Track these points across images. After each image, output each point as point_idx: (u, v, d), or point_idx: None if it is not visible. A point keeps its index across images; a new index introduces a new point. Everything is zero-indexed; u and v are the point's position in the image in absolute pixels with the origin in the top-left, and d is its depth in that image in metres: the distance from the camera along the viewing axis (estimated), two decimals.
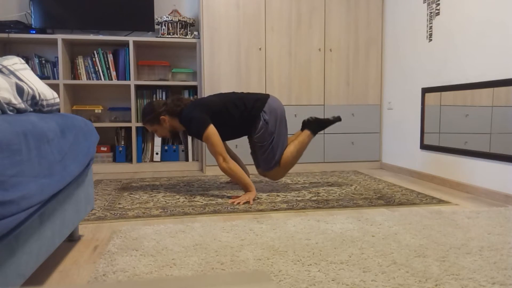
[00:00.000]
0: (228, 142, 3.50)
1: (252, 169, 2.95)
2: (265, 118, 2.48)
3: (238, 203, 2.26)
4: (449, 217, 1.93)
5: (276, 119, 2.51)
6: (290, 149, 2.56)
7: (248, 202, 2.28)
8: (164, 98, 3.67)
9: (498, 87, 2.37)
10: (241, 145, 3.51)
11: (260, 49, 3.51)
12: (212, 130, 2.37)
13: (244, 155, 3.49)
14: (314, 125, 2.66)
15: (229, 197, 2.43)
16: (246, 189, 2.38)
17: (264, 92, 2.60)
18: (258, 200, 2.37)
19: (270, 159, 2.51)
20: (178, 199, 2.41)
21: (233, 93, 2.60)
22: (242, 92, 2.62)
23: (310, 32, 3.58)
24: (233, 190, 2.67)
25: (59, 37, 3.38)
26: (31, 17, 3.44)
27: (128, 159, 3.70)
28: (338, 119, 2.71)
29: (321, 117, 2.70)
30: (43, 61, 3.52)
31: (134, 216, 2.03)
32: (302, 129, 2.68)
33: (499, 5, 2.37)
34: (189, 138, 3.73)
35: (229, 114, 2.48)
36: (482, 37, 2.50)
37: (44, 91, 1.34)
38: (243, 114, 2.50)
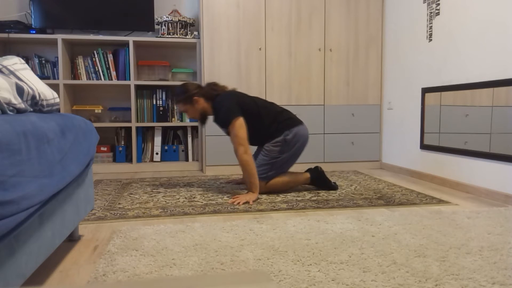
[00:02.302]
0: (230, 139, 3.50)
1: None
2: (286, 138, 2.50)
3: (238, 203, 2.26)
4: (449, 217, 1.93)
5: (294, 146, 2.53)
6: (284, 178, 2.55)
7: (247, 202, 2.28)
8: (164, 98, 3.67)
9: (498, 87, 2.37)
10: None
11: (260, 49, 3.51)
12: (240, 121, 2.39)
13: None
14: (317, 176, 2.64)
15: (229, 197, 2.43)
16: (250, 188, 2.38)
17: (294, 114, 2.63)
18: (258, 200, 2.37)
19: (262, 171, 2.50)
20: (178, 199, 2.41)
21: (270, 103, 2.62)
22: (277, 105, 2.64)
23: (310, 32, 3.58)
24: (233, 190, 2.67)
25: (59, 37, 3.38)
26: (31, 17, 3.44)
27: (128, 159, 3.70)
28: (336, 187, 2.68)
29: (327, 176, 2.71)
30: (43, 61, 3.52)
31: (134, 216, 2.03)
32: (306, 171, 2.68)
33: (499, 5, 2.37)
34: (189, 138, 3.73)
35: (260, 120, 2.51)
36: (482, 37, 2.50)
37: (44, 91, 1.34)
38: (271, 125, 2.52)
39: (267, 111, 2.54)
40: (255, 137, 2.55)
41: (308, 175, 2.64)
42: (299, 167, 3.59)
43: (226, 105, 2.44)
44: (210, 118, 2.70)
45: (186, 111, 2.62)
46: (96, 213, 2.09)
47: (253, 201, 2.32)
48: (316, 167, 2.68)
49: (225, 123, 2.44)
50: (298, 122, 2.58)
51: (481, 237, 1.63)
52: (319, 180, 2.64)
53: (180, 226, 1.81)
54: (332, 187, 2.65)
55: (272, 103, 2.63)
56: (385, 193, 2.57)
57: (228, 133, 2.51)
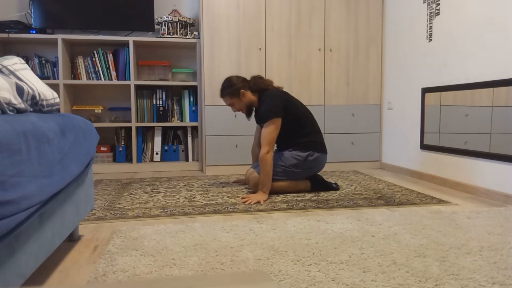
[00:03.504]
0: (230, 139, 3.50)
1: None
2: (308, 158, 2.52)
3: (250, 202, 2.27)
4: (449, 217, 1.93)
5: (310, 168, 2.55)
6: (285, 183, 2.55)
7: (258, 202, 2.28)
8: (164, 98, 3.67)
9: (498, 87, 2.37)
10: (241, 145, 3.51)
11: (260, 49, 3.51)
12: (279, 122, 2.43)
13: (243, 155, 3.50)
14: (318, 185, 2.64)
15: (229, 197, 2.44)
16: (261, 189, 2.39)
17: (324, 140, 2.65)
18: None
19: (278, 170, 2.51)
20: (178, 199, 2.41)
21: (314, 119, 2.65)
22: (319, 126, 2.66)
23: (310, 32, 3.58)
24: (232, 190, 2.67)
25: (59, 37, 3.38)
26: (31, 17, 3.44)
27: (128, 159, 3.70)
28: (337, 188, 2.68)
29: (328, 181, 2.71)
30: (43, 61, 3.52)
31: (134, 216, 2.03)
32: (307, 178, 2.67)
33: (499, 5, 2.37)
34: (189, 138, 3.73)
35: (298, 127, 2.54)
36: (482, 37, 2.50)
37: (44, 91, 1.34)
38: (304, 138, 2.55)
39: (307, 123, 2.58)
40: (282, 138, 2.57)
41: (308, 183, 2.63)
42: None
43: (273, 101, 2.47)
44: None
45: (232, 104, 2.63)
46: (96, 213, 2.09)
47: (264, 202, 2.32)
48: (317, 177, 2.67)
49: (263, 119, 2.46)
50: (325, 151, 2.62)
51: (481, 237, 1.63)
52: (320, 187, 2.64)
53: (180, 226, 1.81)
54: (334, 188, 2.66)
55: (313, 118, 2.66)
56: (385, 193, 2.57)
57: (261, 126, 2.53)
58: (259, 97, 2.58)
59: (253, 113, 2.71)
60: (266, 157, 2.37)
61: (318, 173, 2.69)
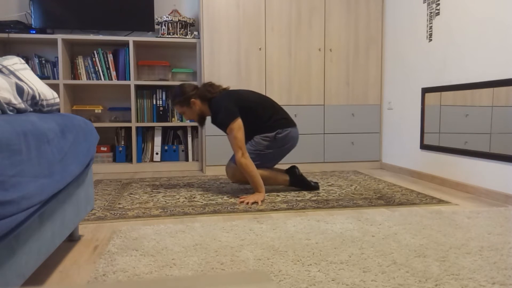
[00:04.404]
0: (226, 144, 3.50)
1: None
2: (277, 136, 2.51)
3: (247, 202, 2.26)
4: (449, 217, 1.93)
5: (283, 145, 2.55)
6: (263, 173, 2.51)
7: (256, 202, 2.28)
8: (164, 98, 3.67)
9: (498, 87, 2.37)
10: None
11: (260, 49, 3.51)
12: (239, 123, 2.39)
13: None
14: (297, 179, 2.63)
15: (229, 197, 2.43)
16: (256, 189, 2.38)
17: (289, 115, 2.64)
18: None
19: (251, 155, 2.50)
20: (178, 199, 2.41)
21: (270, 99, 2.63)
22: (276, 102, 2.64)
23: (310, 32, 3.58)
24: (232, 190, 2.67)
25: (59, 37, 3.38)
26: (31, 17, 3.44)
27: (128, 159, 3.70)
28: (317, 187, 2.67)
29: (308, 178, 2.69)
30: (43, 61, 3.52)
31: (134, 216, 2.03)
32: (287, 172, 2.66)
33: (499, 5, 2.37)
34: (189, 138, 3.73)
35: (258, 115, 2.51)
36: (482, 37, 2.50)
37: (44, 91, 1.34)
38: (267, 122, 2.53)
39: (266, 107, 2.55)
40: (248, 130, 2.55)
41: (287, 177, 2.62)
42: (300, 167, 3.60)
43: (224, 105, 2.44)
44: (208, 119, 2.69)
45: (183, 113, 2.61)
46: (96, 213, 2.09)
47: (262, 201, 2.32)
48: (293, 169, 2.65)
49: (223, 125, 2.43)
50: (292, 124, 2.59)
51: (481, 237, 1.63)
52: (298, 183, 2.63)
53: (180, 226, 1.81)
54: (313, 187, 2.64)
55: (269, 99, 2.63)
56: (385, 193, 2.57)
57: (226, 133, 2.51)
58: (209, 106, 2.54)
59: (210, 121, 2.66)
60: (243, 160, 2.35)
61: (298, 169, 2.66)
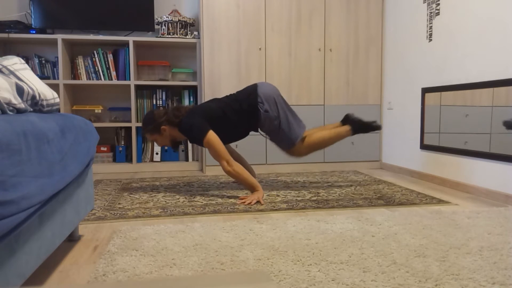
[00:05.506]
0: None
1: (256, 168, 2.97)
2: (264, 108, 2.48)
3: (250, 203, 2.26)
4: (449, 217, 1.93)
5: (275, 103, 2.51)
6: (322, 134, 2.55)
7: (258, 201, 2.28)
8: (164, 98, 3.67)
9: (498, 87, 2.37)
10: (241, 145, 3.51)
11: (260, 49, 3.51)
12: (212, 135, 2.38)
13: (246, 154, 3.49)
14: (357, 125, 2.64)
15: (229, 197, 2.44)
16: (252, 189, 2.39)
17: (246, 86, 2.60)
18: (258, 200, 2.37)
19: (286, 140, 2.52)
20: (178, 199, 2.41)
21: (226, 97, 2.60)
22: (233, 94, 2.61)
23: (310, 32, 3.58)
24: (232, 190, 2.67)
25: (59, 37, 3.38)
26: (31, 17, 3.44)
27: (128, 159, 3.70)
28: (379, 127, 2.68)
29: (366, 120, 2.68)
30: (43, 61, 3.52)
31: (134, 216, 2.03)
32: (343, 123, 2.66)
33: (499, 5, 2.37)
34: None
35: (228, 118, 2.49)
36: (482, 37, 2.50)
37: (44, 91, 1.34)
38: (242, 114, 2.50)
39: (229, 108, 2.49)
40: (239, 132, 2.56)
41: (348, 127, 2.61)
42: (300, 167, 3.59)
43: (193, 124, 2.42)
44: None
45: (155, 140, 2.60)
46: (96, 213, 2.09)
47: (262, 199, 2.33)
48: (349, 117, 2.65)
49: (198, 140, 2.43)
50: (255, 89, 2.52)
51: (481, 237, 1.63)
52: (361, 129, 2.64)
53: (180, 226, 1.81)
54: (374, 127, 2.66)
55: (226, 96, 2.60)
56: (385, 193, 2.57)
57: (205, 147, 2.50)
58: (179, 129, 2.51)
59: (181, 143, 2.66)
60: (229, 168, 2.35)
61: (352, 114, 2.68)
